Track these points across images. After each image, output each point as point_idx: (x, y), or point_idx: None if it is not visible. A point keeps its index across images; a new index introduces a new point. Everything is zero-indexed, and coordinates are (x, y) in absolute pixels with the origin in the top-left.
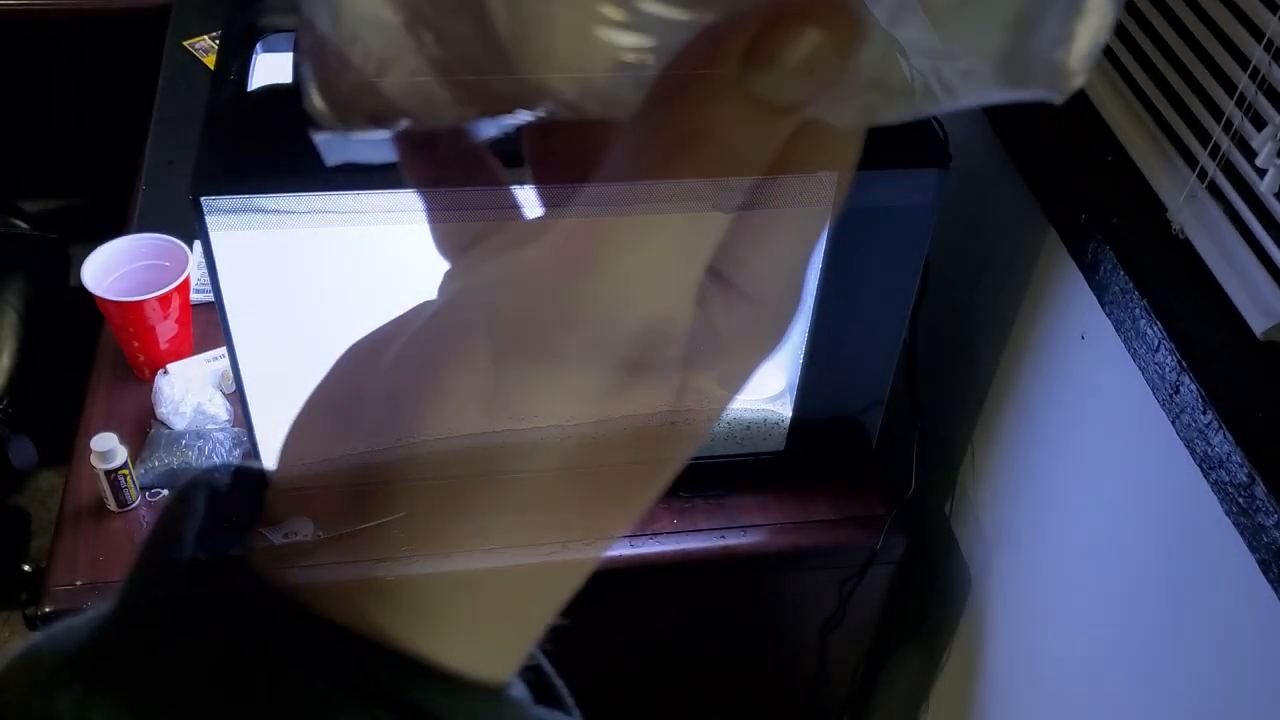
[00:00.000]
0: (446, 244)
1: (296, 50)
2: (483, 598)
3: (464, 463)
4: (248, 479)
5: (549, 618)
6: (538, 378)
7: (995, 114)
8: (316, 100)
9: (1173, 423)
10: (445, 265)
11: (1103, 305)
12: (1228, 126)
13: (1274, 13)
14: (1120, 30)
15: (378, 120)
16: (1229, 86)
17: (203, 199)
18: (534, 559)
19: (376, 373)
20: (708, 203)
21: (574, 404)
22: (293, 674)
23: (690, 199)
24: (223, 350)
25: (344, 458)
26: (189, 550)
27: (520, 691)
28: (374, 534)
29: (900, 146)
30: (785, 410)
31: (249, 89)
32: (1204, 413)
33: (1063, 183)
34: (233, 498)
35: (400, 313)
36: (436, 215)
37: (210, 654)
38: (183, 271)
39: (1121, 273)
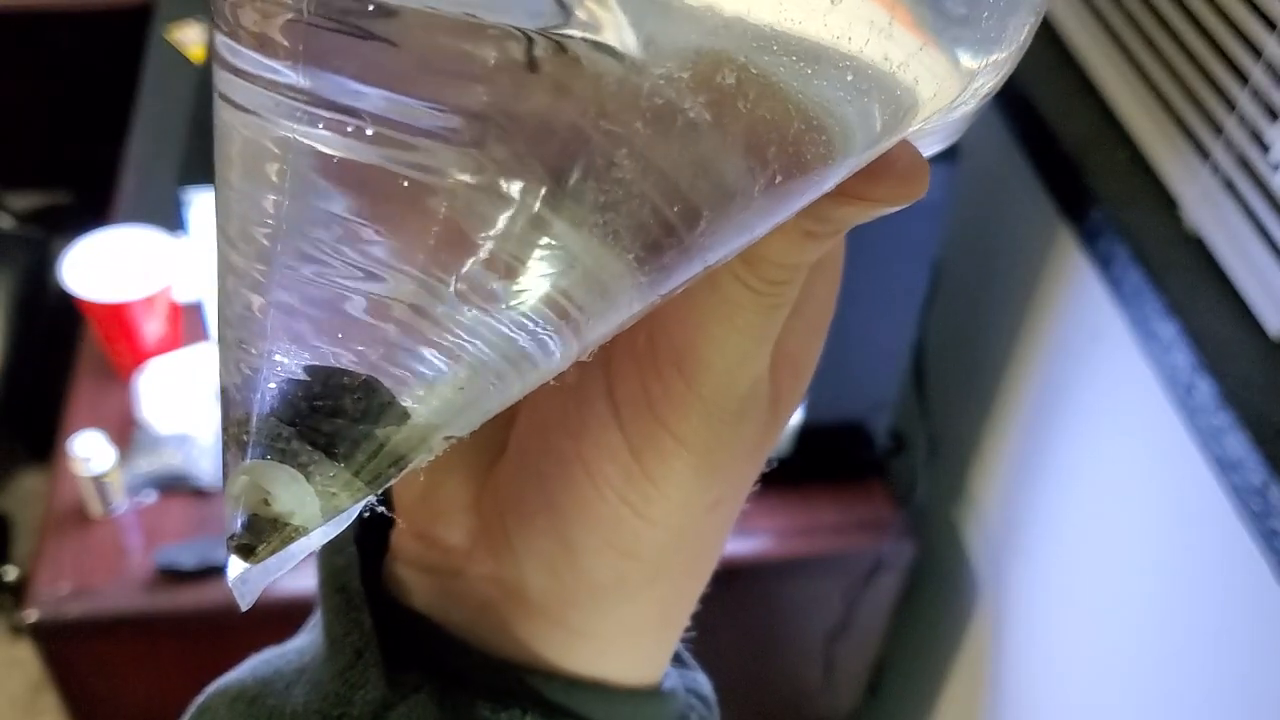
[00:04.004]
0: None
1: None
2: (628, 612)
3: None
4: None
5: (689, 614)
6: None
7: (1007, 109)
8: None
9: (1186, 424)
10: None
11: (1115, 303)
12: (1242, 121)
13: None
14: (1133, 25)
15: None
16: (1243, 81)
17: (190, 190)
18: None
19: None
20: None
21: None
22: (501, 714)
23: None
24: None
25: None
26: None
27: (672, 680)
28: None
29: None
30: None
31: None
32: (1218, 414)
33: (1075, 179)
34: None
35: None
36: None
37: (433, 702)
38: (167, 269)
39: (1134, 270)
